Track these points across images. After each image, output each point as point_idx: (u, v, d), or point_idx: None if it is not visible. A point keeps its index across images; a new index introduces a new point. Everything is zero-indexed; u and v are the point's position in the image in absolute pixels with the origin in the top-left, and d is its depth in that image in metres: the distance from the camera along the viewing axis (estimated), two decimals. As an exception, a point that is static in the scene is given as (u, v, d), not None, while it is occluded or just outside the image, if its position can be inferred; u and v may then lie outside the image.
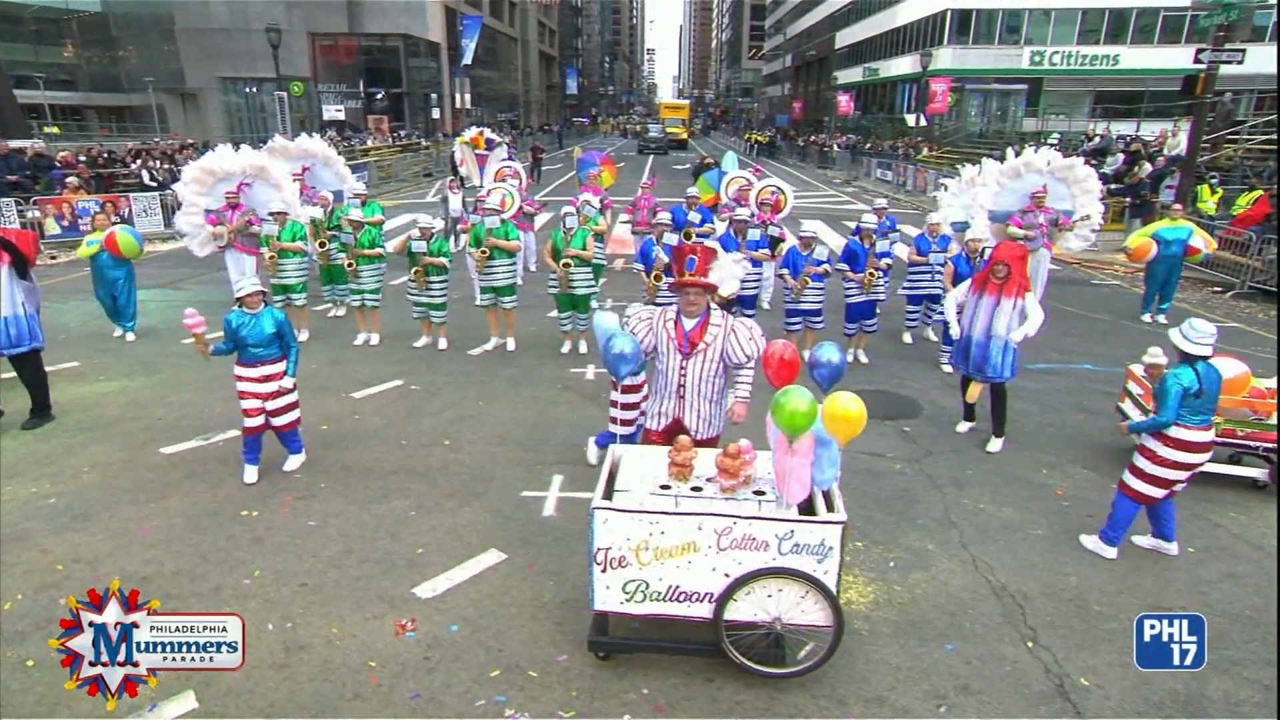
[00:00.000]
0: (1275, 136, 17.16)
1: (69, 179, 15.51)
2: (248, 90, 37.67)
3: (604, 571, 3.49)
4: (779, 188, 10.43)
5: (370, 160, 27.21)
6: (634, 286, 10.88)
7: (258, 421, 5.37)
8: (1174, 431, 4.32)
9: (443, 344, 8.44)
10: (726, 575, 3.43)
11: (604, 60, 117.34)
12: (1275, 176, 16.24)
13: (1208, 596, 4.27)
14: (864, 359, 8.17)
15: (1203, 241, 9.82)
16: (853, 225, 9.42)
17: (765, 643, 3.54)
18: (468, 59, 38.09)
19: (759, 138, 48.31)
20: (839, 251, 8.36)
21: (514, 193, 10.75)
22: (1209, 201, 14.43)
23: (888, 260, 7.95)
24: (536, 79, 70.21)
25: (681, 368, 4.22)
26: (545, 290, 8.59)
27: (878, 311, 8.09)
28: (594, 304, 8.41)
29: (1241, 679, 3.62)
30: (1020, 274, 5.63)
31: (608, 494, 3.61)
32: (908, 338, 8.97)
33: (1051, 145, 24.95)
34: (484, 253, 8.00)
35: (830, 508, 3.47)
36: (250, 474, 5.44)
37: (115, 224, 9.03)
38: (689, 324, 4.19)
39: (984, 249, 7.49)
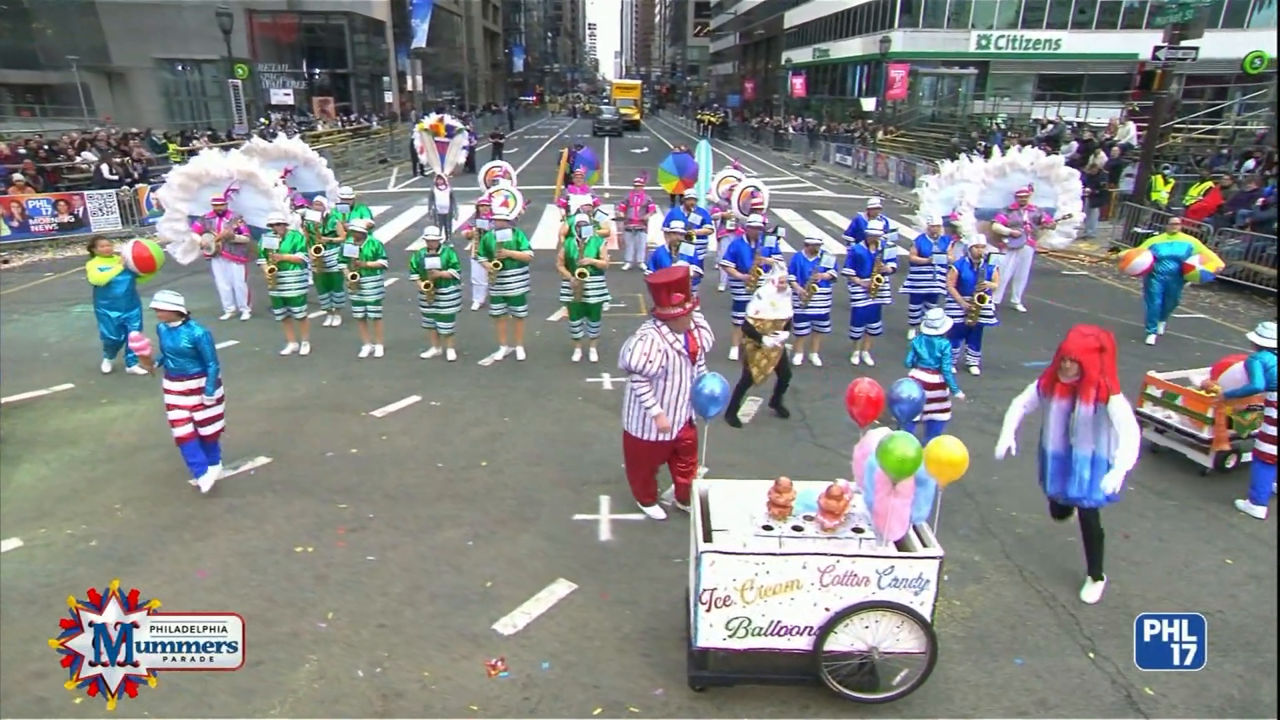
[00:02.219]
0: (1219, 126, 18.03)
1: (14, 175, 14.68)
2: (179, 69, 35.93)
3: (708, 611, 3.59)
4: (756, 188, 10.45)
5: (324, 147, 26.40)
6: (625, 286, 10.94)
7: (185, 430, 5.43)
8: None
9: (451, 355, 8.36)
10: (827, 610, 3.58)
11: (547, 36, 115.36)
12: (1217, 166, 17.13)
13: (1238, 599, 4.61)
14: (870, 360, 8.40)
15: (1200, 260, 8.91)
16: (824, 215, 9.66)
17: (861, 670, 3.71)
18: (420, 40, 37.01)
19: (711, 118, 48.26)
20: (842, 253, 8.56)
21: (515, 193, 10.59)
22: (1162, 192, 15.13)
23: (893, 264, 8.17)
24: (482, 57, 68.70)
25: (691, 374, 4.89)
26: (546, 295, 8.60)
27: (881, 314, 8.33)
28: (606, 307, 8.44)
29: (1286, 681, 3.95)
30: (1098, 372, 4.12)
31: (707, 534, 3.71)
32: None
33: (1001, 129, 25.85)
34: (496, 264, 7.93)
35: (923, 541, 3.64)
36: (205, 482, 5.56)
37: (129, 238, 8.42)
38: (684, 338, 4.87)
39: (988, 254, 7.77)
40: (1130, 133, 19.19)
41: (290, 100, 31.49)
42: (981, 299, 7.61)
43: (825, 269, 7.88)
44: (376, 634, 4.22)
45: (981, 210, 10.00)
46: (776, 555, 3.52)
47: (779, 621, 3.62)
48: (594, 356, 8.36)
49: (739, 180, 11.60)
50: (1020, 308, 10.57)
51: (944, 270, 8.53)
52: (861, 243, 8.24)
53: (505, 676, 3.93)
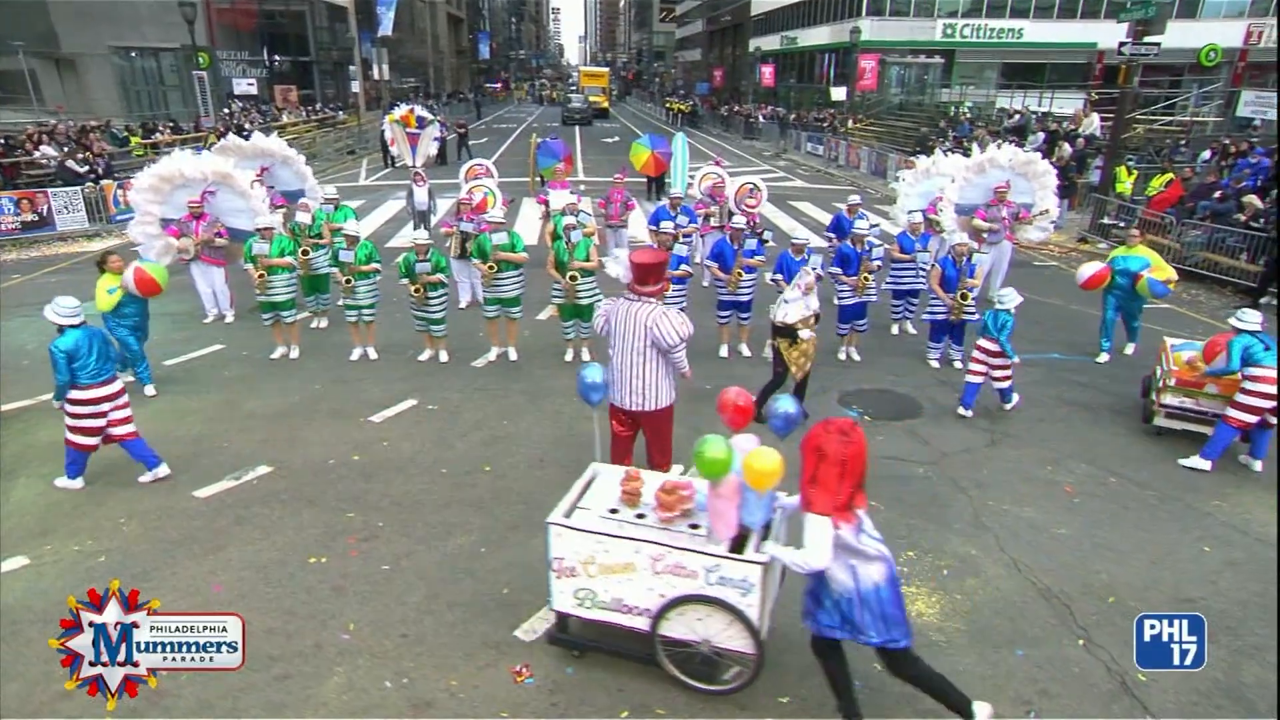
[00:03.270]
0: (1177, 118, 18.57)
1: (-26, 173, 14.25)
2: (132, 55, 34.80)
3: (558, 578, 4.03)
4: (755, 185, 10.69)
5: (290, 139, 25.90)
6: (614, 284, 10.98)
7: (123, 430, 5.79)
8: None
9: (444, 357, 8.37)
10: (661, 596, 3.86)
11: (511, 21, 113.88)
12: (1176, 157, 17.69)
13: (1217, 585, 4.88)
14: (856, 356, 8.60)
15: (1149, 275, 8.08)
16: (799, 206, 9.82)
17: (698, 660, 3.95)
18: (386, 28, 36.34)
19: (680, 106, 48.25)
20: (821, 245, 8.68)
21: (495, 190, 10.59)
22: (1127, 183, 15.59)
23: (878, 262, 8.35)
24: (446, 43, 67.68)
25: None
26: (535, 295, 8.62)
27: (867, 311, 8.52)
28: (600, 306, 8.47)
29: (1268, 664, 4.20)
30: (808, 477, 3.31)
31: (571, 510, 4.14)
32: (895, 329, 9.48)
33: (968, 118, 26.29)
34: (491, 267, 7.96)
35: (764, 541, 3.80)
36: (162, 470, 5.97)
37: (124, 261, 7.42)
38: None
39: (970, 252, 7.99)
40: (1095, 124, 19.69)
41: (254, 90, 30.77)
42: (964, 296, 7.83)
43: (814, 270, 8.00)
44: (400, 644, 4.30)
45: (961, 206, 10.25)
46: (612, 537, 3.88)
47: (621, 599, 3.95)
48: (586, 355, 8.43)
49: (723, 178, 11.70)
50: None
51: (925, 267, 8.75)
52: (848, 241, 8.41)
53: (530, 683, 4.04)
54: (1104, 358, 8.66)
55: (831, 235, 10.02)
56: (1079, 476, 6.17)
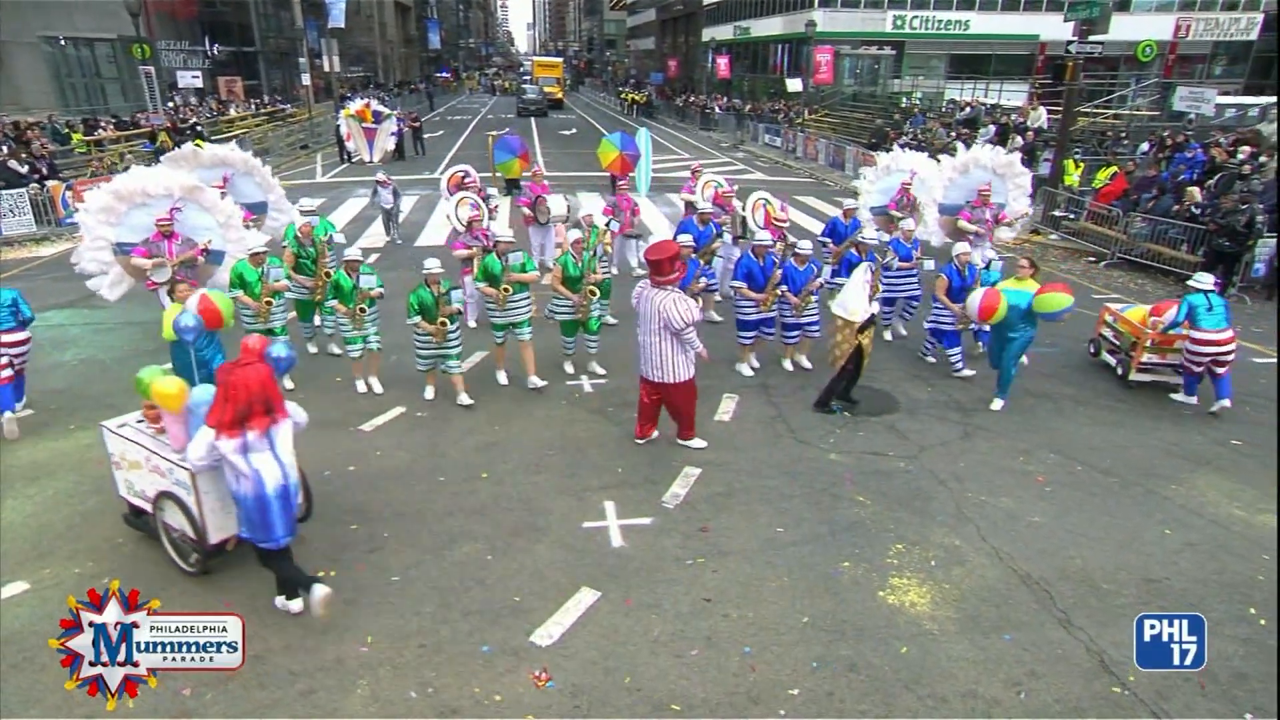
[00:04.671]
0: (1119, 111, 19.36)
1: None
2: (63, 44, 33.37)
3: (115, 470, 5.25)
4: (767, 199, 10.33)
5: (240, 133, 25.24)
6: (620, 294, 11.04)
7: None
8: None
9: (465, 399, 7.51)
10: (155, 489, 4.97)
11: (458, 9, 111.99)
12: (1118, 149, 18.46)
13: (1179, 566, 5.27)
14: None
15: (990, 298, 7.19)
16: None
17: (181, 542, 4.96)
18: (338, 20, 35.48)
19: (635, 97, 48.27)
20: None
21: (482, 204, 10.19)
22: (1074, 175, 16.24)
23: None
24: (394, 32, 66.33)
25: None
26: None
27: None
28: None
29: (1227, 637, 4.59)
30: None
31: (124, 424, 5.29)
32: (888, 335, 9.39)
33: (920, 110, 26.94)
34: (506, 289, 7.54)
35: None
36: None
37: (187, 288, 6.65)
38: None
39: (969, 260, 8.04)
40: (1041, 116, 20.41)
41: (199, 83, 29.79)
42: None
43: (817, 279, 8.06)
44: (419, 654, 4.40)
45: (945, 206, 10.53)
46: (128, 441, 5.06)
47: (143, 490, 5.07)
48: (600, 370, 8.19)
49: (726, 186, 11.32)
50: None
51: (914, 273, 8.90)
52: (855, 250, 8.45)
53: (552, 686, 4.19)
54: (997, 405, 7.56)
55: (827, 239, 9.70)
56: (1048, 466, 6.54)
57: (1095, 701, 4.13)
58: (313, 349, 8.85)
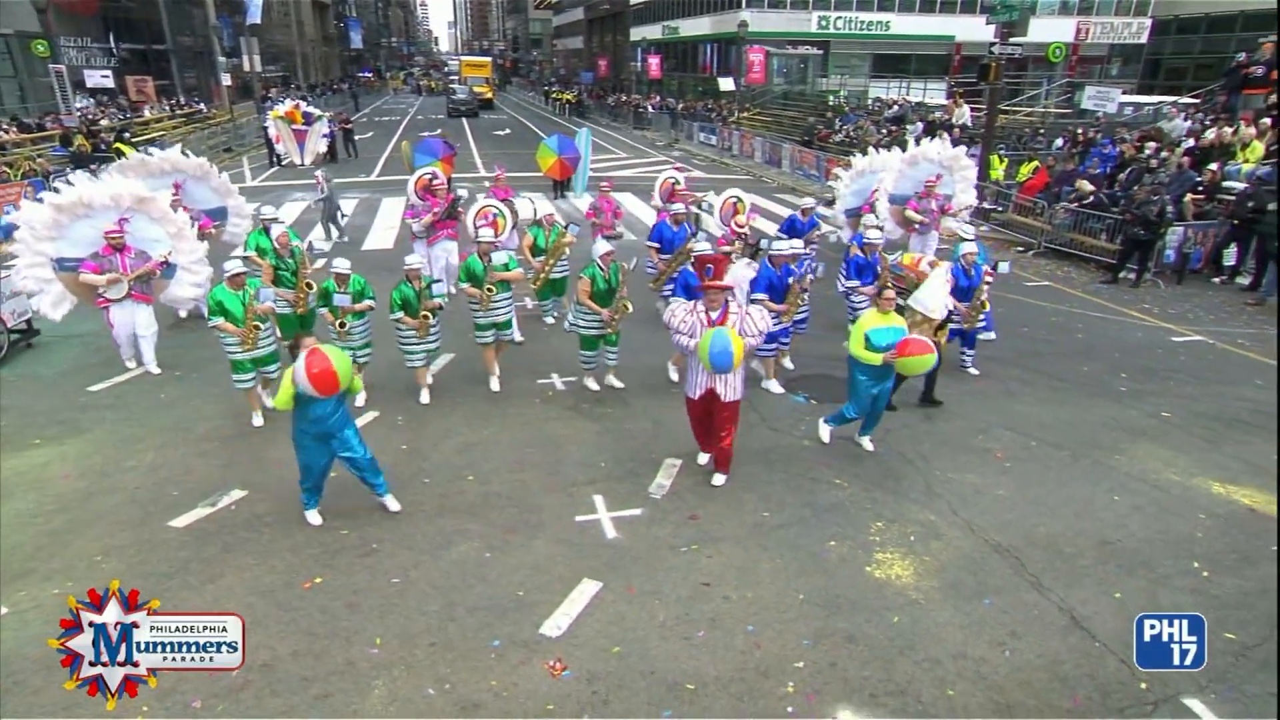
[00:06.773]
0: (1035, 109, 20.44)
1: None
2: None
3: None
4: (738, 197, 10.48)
5: (157, 135, 24.17)
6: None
7: None
8: None
9: (425, 397, 7.64)
10: None
11: (377, 6, 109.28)
12: (1035, 144, 19.53)
13: (1129, 528, 5.72)
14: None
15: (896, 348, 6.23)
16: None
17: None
18: (255, 17, 34.20)
19: (566, 97, 48.22)
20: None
21: (505, 211, 9.78)
22: (999, 170, 17.13)
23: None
24: (313, 29, 64.33)
25: None
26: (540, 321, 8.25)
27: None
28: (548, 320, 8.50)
29: (1176, 589, 5.03)
30: None
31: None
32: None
33: (849, 108, 27.81)
34: (490, 289, 7.51)
35: None
36: None
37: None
38: (714, 314, 5.82)
39: (978, 260, 8.03)
40: (965, 114, 21.38)
41: (109, 82, 28.26)
42: (984, 305, 7.93)
43: (808, 274, 7.93)
44: (431, 652, 4.44)
45: (895, 196, 11.01)
46: None
47: None
48: (618, 384, 7.94)
49: (680, 181, 11.36)
50: None
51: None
52: (859, 252, 8.44)
53: (568, 675, 4.29)
54: (868, 443, 6.83)
55: (783, 236, 9.43)
56: (1005, 443, 6.96)
57: (1072, 654, 4.48)
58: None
